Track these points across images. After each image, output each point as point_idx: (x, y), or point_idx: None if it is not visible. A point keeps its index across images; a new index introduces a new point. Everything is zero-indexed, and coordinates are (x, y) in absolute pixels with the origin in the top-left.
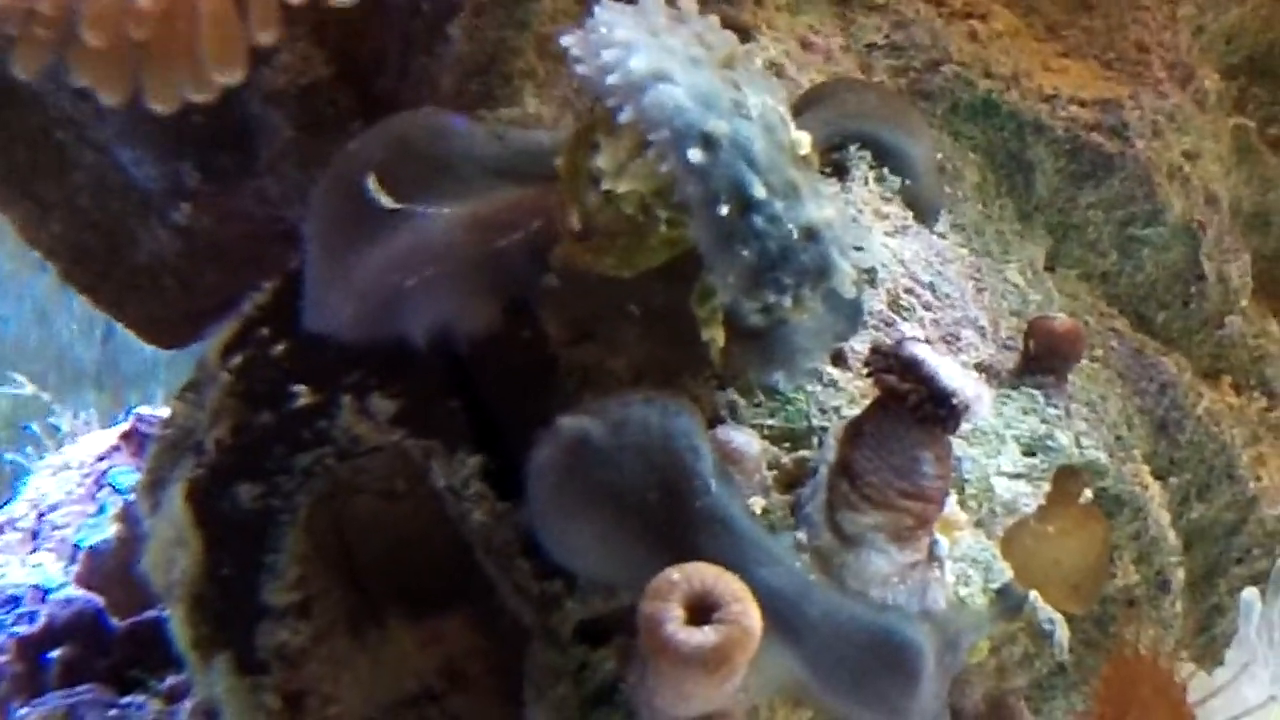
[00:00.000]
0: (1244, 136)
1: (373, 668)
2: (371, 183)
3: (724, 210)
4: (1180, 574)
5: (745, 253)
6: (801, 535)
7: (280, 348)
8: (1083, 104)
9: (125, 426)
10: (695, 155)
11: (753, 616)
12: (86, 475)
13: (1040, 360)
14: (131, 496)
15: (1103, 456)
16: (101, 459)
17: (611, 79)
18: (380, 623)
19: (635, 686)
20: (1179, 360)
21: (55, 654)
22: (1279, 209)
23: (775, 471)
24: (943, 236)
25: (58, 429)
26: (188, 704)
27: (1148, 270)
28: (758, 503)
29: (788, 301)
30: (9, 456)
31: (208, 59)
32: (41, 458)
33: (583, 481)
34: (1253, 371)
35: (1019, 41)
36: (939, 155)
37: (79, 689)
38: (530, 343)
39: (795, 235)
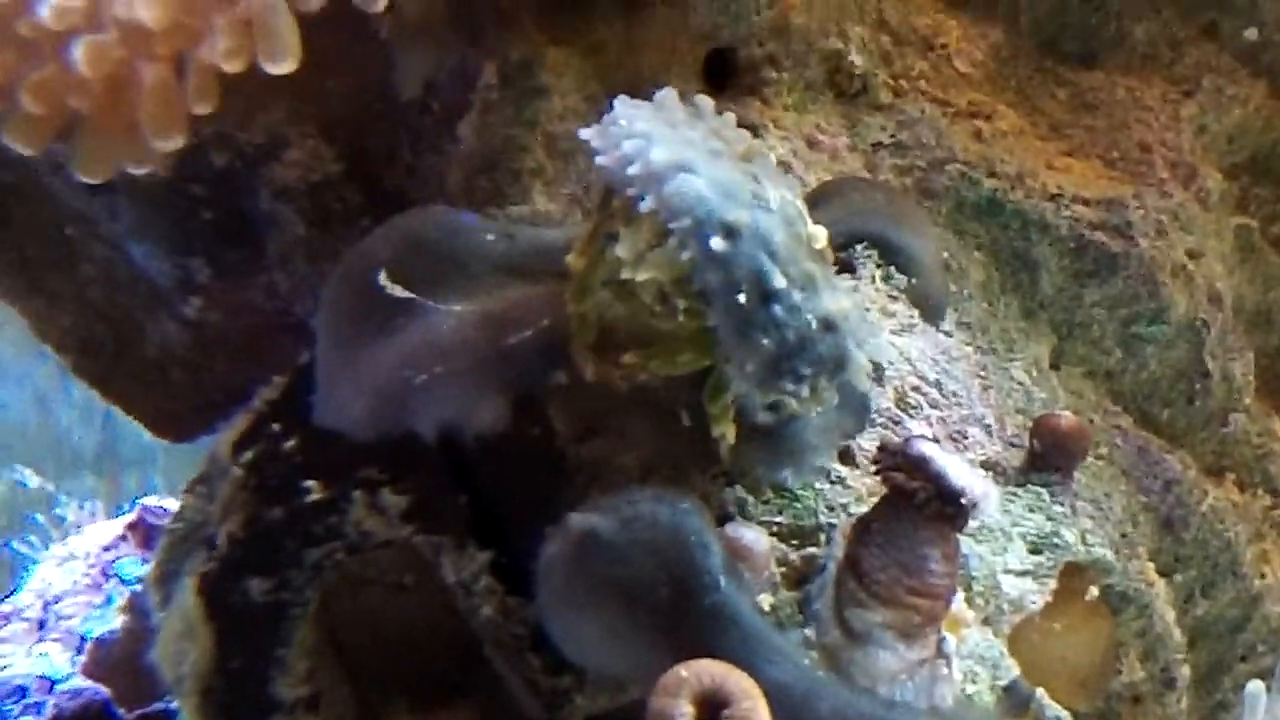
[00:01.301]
0: (1247, 235)
1: None
2: (383, 279)
3: (744, 298)
4: (1185, 670)
5: (765, 341)
6: (810, 632)
7: (291, 443)
8: (1087, 203)
9: (131, 517)
10: (717, 243)
11: (762, 713)
12: (92, 566)
13: (1046, 458)
14: (138, 587)
15: (1108, 554)
16: (107, 549)
17: (633, 169)
18: (388, 716)
19: None
20: (1184, 457)
21: None
22: (1278, 305)
23: (783, 568)
24: (948, 334)
25: (63, 519)
26: None
27: (1152, 368)
28: (766, 599)
29: (805, 391)
30: (15, 546)
31: (149, 129)
32: (47, 548)
33: (592, 577)
34: (1256, 469)
35: (1023, 141)
36: (944, 253)
37: None
38: (539, 439)
39: (814, 326)
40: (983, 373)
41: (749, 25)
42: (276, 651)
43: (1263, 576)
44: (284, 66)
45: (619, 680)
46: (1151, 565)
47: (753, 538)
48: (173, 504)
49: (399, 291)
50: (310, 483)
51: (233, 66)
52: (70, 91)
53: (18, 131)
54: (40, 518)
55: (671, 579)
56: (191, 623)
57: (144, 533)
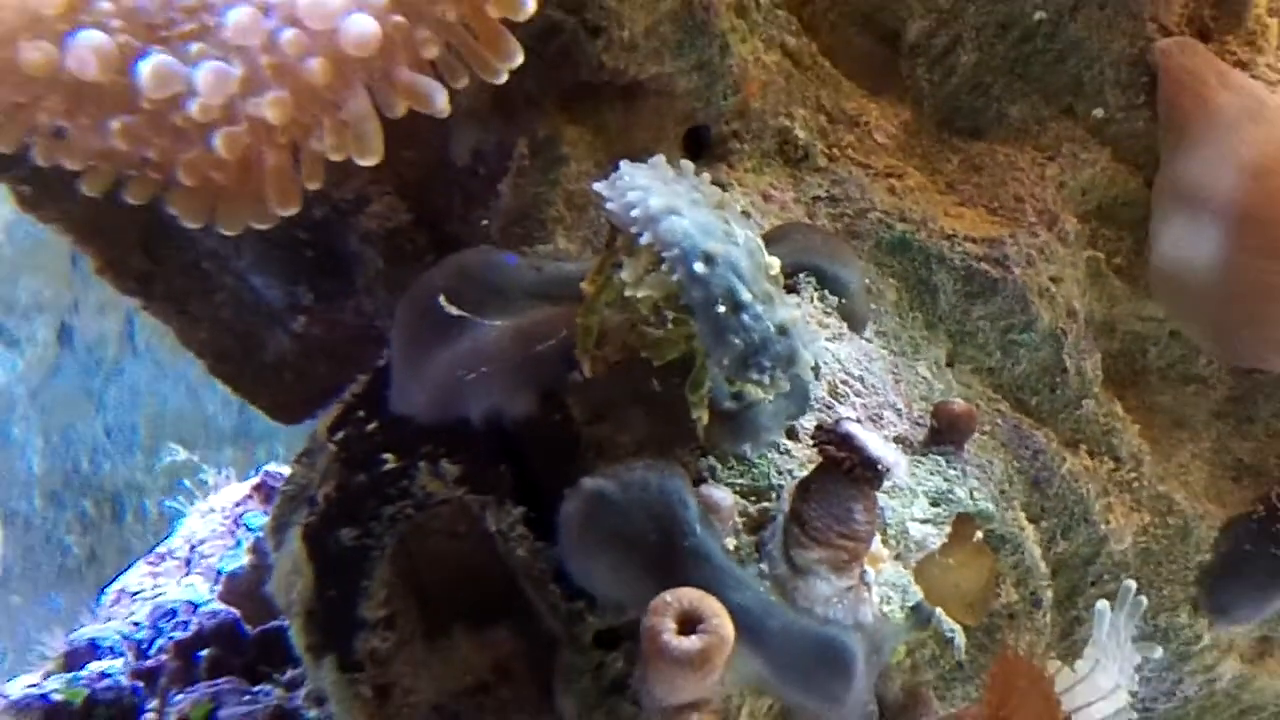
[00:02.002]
0: (1095, 265)
1: (441, 666)
2: (441, 302)
3: (720, 309)
4: (1049, 594)
5: (737, 341)
6: (764, 567)
7: (372, 425)
8: (974, 241)
9: (256, 480)
10: (699, 268)
11: (728, 628)
12: (227, 517)
13: (943, 434)
14: (261, 534)
15: (990, 506)
16: (238, 505)
17: (634, 213)
18: (446, 632)
19: (639, 680)
20: (1047, 433)
21: (203, 654)
22: (1121, 319)
23: (744, 519)
24: (869, 341)
25: (204, 483)
26: (302, 691)
27: (1024, 366)
28: (731, 542)
29: (766, 381)
30: (169, 504)
31: (271, 199)
32: (192, 504)
33: (600, 527)
34: (1103, 442)
35: (926, 195)
36: (866, 280)
37: (221, 680)
38: (560, 423)
39: (772, 331)
40: (895, 370)
41: (719, 109)
42: (362, 583)
43: (1107, 523)
44: (371, 161)
45: (620, 604)
46: (1023, 515)
47: (721, 495)
48: (288, 470)
49: (453, 311)
50: (386, 455)
51: (335, 158)
52: (211, 169)
53: (178, 203)
54: (187, 482)
55: (659, 528)
56: (297, 562)
57: (266, 492)
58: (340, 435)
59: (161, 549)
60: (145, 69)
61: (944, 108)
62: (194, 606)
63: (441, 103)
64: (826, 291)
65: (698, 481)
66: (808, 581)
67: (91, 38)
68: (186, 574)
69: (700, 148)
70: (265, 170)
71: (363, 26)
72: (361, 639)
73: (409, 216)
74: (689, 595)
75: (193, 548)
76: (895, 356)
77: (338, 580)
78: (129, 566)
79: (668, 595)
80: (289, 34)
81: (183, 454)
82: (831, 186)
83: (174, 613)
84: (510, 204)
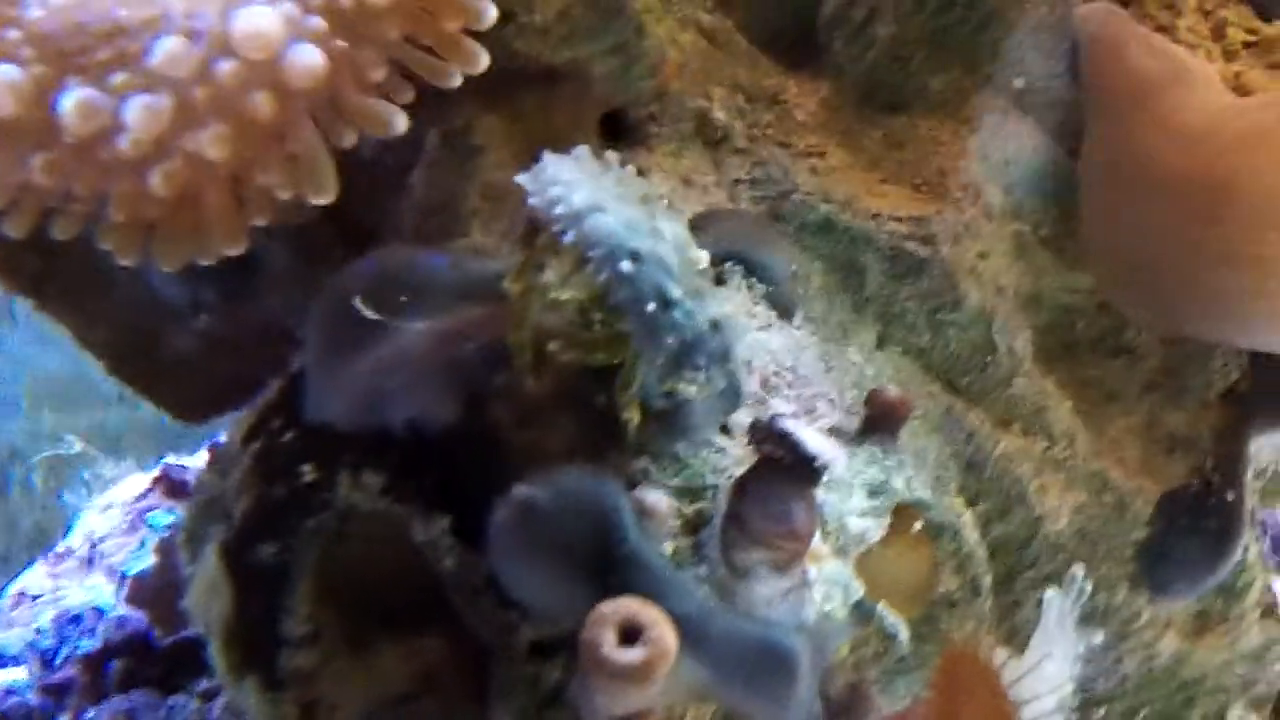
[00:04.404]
0: (1021, 238)
1: (366, 679)
2: (357, 303)
3: (651, 307)
4: (988, 580)
5: (669, 339)
6: (703, 570)
7: (289, 435)
8: (900, 220)
9: (156, 473)
10: (626, 266)
11: (670, 637)
12: (128, 513)
13: (877, 422)
14: (166, 533)
15: (928, 494)
16: (139, 500)
17: (558, 209)
18: (370, 645)
19: (578, 692)
20: (980, 414)
21: (114, 665)
22: (1049, 292)
23: (680, 521)
24: (798, 329)
25: (101, 475)
26: (219, 702)
27: (954, 346)
28: (668, 546)
29: (701, 378)
30: (65, 498)
31: (216, 237)
32: (90, 499)
33: (533, 536)
34: (1035, 420)
35: (849, 173)
36: (793, 265)
37: (134, 693)
38: (486, 429)
39: (705, 327)
40: (826, 357)
41: (636, 93)
42: (284, 600)
43: (1043, 503)
44: (325, 199)
45: (555, 614)
46: (960, 499)
47: (656, 499)
48: (190, 461)
49: (370, 314)
50: (305, 466)
51: (284, 195)
52: (145, 204)
53: (112, 239)
54: (85, 474)
55: (594, 535)
56: (215, 580)
57: (168, 486)
58: (255, 447)
59: (60, 547)
60: (68, 104)
61: (864, 82)
62: (100, 613)
63: (401, 126)
64: (754, 279)
65: (632, 485)
66: (748, 584)
67: (3, 72)
68: (88, 574)
69: (618, 132)
70: (207, 207)
71: (309, 59)
72: (285, 657)
73: (316, 211)
74: (628, 605)
75: (93, 545)
76: (825, 343)
77: (258, 598)
78: (28, 566)
79: (606, 606)
80: (227, 66)
81: (78, 445)
82: (753, 168)
83: (79, 619)
84: (424, 196)
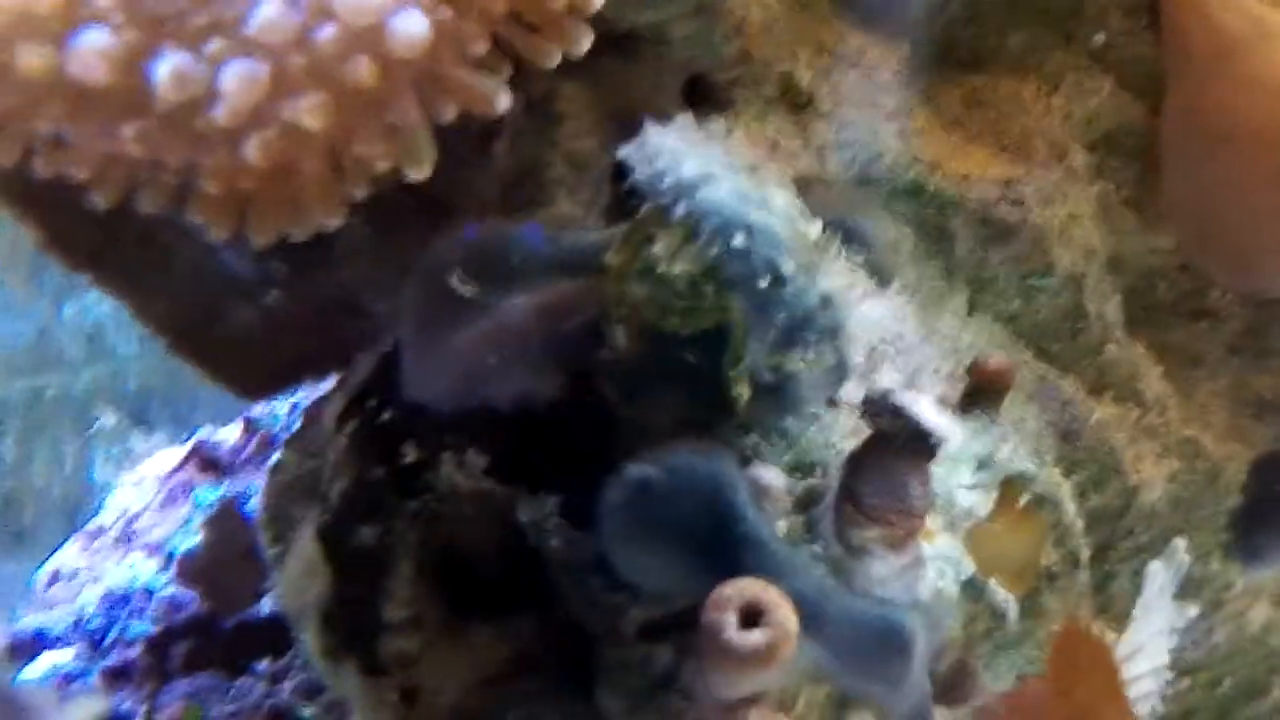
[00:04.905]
0: (1105, 198)
1: (463, 662)
2: (454, 279)
3: (763, 284)
4: (1086, 552)
5: (781, 316)
6: (817, 548)
7: (387, 415)
8: (988, 182)
9: (190, 445)
10: (740, 241)
11: (793, 620)
12: (160, 488)
13: (981, 392)
14: (212, 509)
15: (1031, 466)
16: (172, 475)
17: (666, 181)
18: (466, 628)
19: (692, 675)
20: (1073, 382)
21: (178, 647)
22: (1131, 254)
23: (791, 497)
24: (895, 297)
25: (132, 450)
26: (288, 685)
27: (1044, 313)
28: (782, 524)
29: (811, 355)
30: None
31: (314, 209)
32: (120, 474)
33: (647, 516)
34: (1127, 388)
35: (934, 135)
36: (890, 232)
37: (200, 675)
38: (592, 405)
39: (816, 303)
40: (924, 325)
41: (718, 56)
42: (384, 583)
43: (1138, 473)
44: (421, 175)
45: (667, 595)
46: (1057, 470)
47: (771, 476)
48: (223, 434)
49: (468, 290)
50: (406, 446)
51: (383, 167)
52: (239, 175)
53: (204, 210)
54: (114, 449)
55: (710, 514)
56: (313, 563)
57: (200, 459)
58: (351, 427)
59: (92, 525)
60: (163, 71)
61: (941, 40)
62: (149, 592)
63: (504, 104)
64: (852, 246)
65: (743, 462)
66: (864, 562)
67: (95, 39)
68: (126, 551)
69: (700, 97)
70: (304, 178)
71: (415, 26)
72: (386, 641)
73: (393, 181)
74: (750, 587)
75: (128, 522)
76: (920, 311)
77: (358, 581)
78: (60, 545)
79: (728, 588)
80: (328, 32)
81: (112, 420)
82: (839, 132)
83: (127, 599)
84: (507, 166)
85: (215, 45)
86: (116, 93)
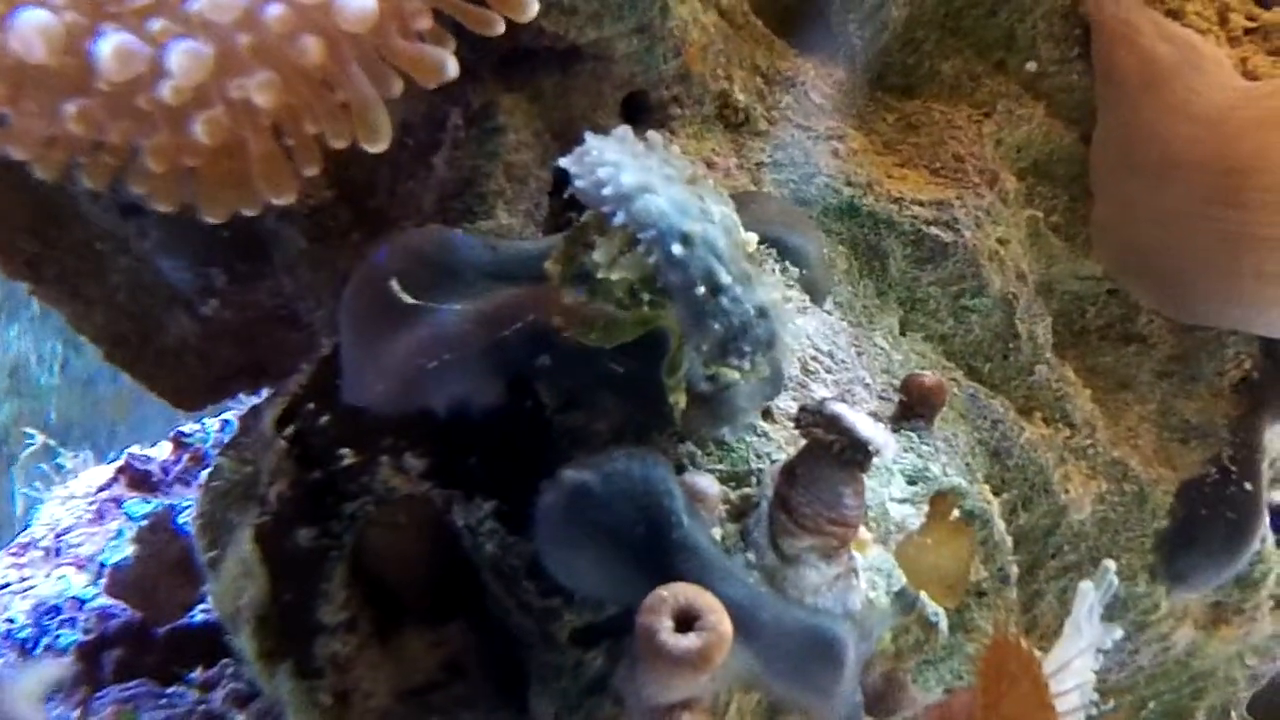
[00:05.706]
0: (1034, 224)
1: (394, 666)
2: (393, 286)
3: (700, 292)
4: (1015, 569)
5: (716, 326)
6: (751, 556)
7: (326, 418)
8: (922, 204)
9: (120, 463)
10: (677, 249)
11: (727, 624)
12: (91, 503)
13: (914, 408)
14: (144, 523)
15: (962, 481)
16: (101, 490)
17: (606, 191)
18: (398, 631)
19: (624, 679)
20: (1003, 401)
21: (111, 655)
22: (1060, 279)
23: (726, 506)
24: (829, 313)
25: (61, 467)
26: (220, 693)
27: (976, 332)
28: (716, 532)
29: (746, 365)
30: (22, 491)
31: (264, 187)
32: (50, 491)
33: (583, 521)
34: (1056, 408)
35: (868, 156)
36: (825, 249)
37: (133, 684)
38: (530, 411)
39: (752, 313)
40: (856, 342)
41: (659, 74)
42: (321, 586)
43: (1066, 492)
44: (380, 147)
45: (600, 600)
46: (987, 487)
47: (706, 483)
48: (153, 451)
49: (407, 297)
50: (344, 450)
51: (338, 144)
52: (184, 154)
53: (149, 187)
54: (44, 466)
55: (646, 520)
56: (249, 565)
57: (131, 476)
58: (290, 430)
59: (23, 538)
60: (106, 49)
61: (876, 65)
62: (80, 602)
63: (453, 70)
64: (787, 263)
65: (679, 469)
66: (797, 570)
67: (35, 17)
68: (55, 564)
69: (639, 114)
70: (253, 156)
71: (360, 2)
72: (321, 644)
73: (331, 192)
74: (685, 591)
75: (58, 536)
76: (854, 328)
77: (295, 583)
78: None
79: (663, 591)
80: (276, 10)
81: (40, 438)
82: (774, 151)
83: (58, 609)
84: (446, 177)
85: (158, 25)
86: (56, 72)
